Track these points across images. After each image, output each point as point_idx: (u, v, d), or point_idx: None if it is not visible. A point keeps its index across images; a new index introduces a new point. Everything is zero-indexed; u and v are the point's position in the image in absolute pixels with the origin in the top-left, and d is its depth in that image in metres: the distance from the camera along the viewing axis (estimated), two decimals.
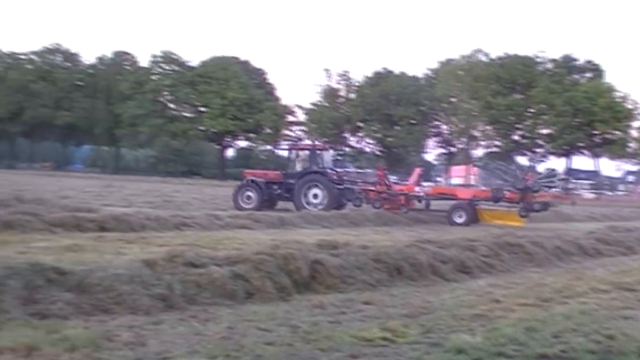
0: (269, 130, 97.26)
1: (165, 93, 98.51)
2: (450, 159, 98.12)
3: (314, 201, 28.50)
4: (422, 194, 29.21)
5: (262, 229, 19.49)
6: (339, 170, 31.38)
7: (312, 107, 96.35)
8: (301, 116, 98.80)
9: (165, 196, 34.41)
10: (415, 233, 20.48)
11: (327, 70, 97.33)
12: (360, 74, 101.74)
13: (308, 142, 36.09)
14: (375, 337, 6.98)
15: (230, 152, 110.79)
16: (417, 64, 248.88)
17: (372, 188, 29.04)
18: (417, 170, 32.51)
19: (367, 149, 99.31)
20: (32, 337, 5.94)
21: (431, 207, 29.20)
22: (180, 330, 6.84)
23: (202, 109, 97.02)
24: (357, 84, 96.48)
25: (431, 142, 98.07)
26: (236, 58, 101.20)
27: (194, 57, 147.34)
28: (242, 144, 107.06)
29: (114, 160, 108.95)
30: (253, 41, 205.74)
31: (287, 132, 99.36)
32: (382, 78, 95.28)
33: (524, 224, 25.95)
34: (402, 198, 28.57)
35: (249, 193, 29.40)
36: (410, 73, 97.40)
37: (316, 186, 28.74)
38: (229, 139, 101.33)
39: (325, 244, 11.65)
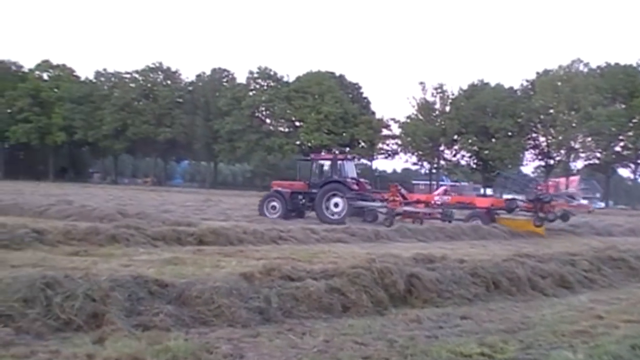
0: (363, 144, 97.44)
1: (262, 108, 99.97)
2: (548, 172, 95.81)
3: (335, 210, 29.06)
4: (439, 202, 29.52)
5: (358, 242, 19.48)
6: (362, 180, 31.67)
7: (407, 120, 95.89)
8: (396, 130, 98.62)
9: None
10: (512, 247, 20.06)
11: (422, 83, 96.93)
12: (455, 86, 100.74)
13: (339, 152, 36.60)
14: (473, 352, 6.83)
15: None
16: (513, 75, 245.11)
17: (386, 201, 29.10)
18: (443, 188, 32.71)
19: (463, 162, 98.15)
20: (136, 348, 6.07)
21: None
22: (278, 343, 6.87)
23: (298, 123, 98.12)
24: (452, 96, 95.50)
25: (528, 155, 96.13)
26: (331, 73, 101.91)
27: (290, 72, 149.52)
28: None
29: (212, 175, 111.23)
30: (348, 56, 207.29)
31: (382, 145, 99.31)
32: (477, 90, 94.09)
33: (544, 232, 27.14)
34: (422, 207, 29.08)
35: (274, 203, 30.41)
36: (506, 84, 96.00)
37: (336, 195, 29.20)
38: (321, 151, 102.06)
39: (422, 258, 11.54)
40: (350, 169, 31.59)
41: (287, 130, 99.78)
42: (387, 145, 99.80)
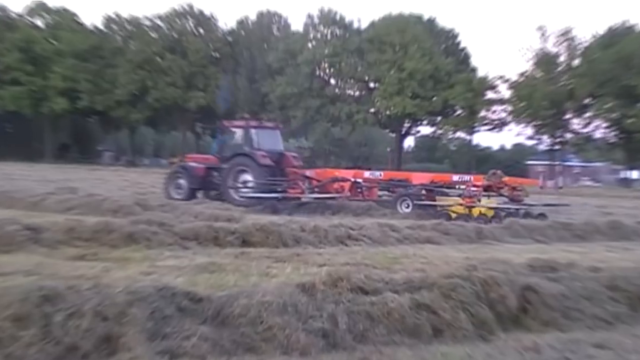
0: (461, 112, 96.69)
1: (325, 65, 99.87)
2: None
3: (245, 190, 30.77)
4: (364, 182, 31.51)
5: (453, 243, 19.52)
6: (290, 154, 33.57)
7: (520, 79, 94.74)
8: (505, 92, 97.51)
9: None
10: None
11: (541, 28, 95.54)
12: (587, 32, 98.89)
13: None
14: None
15: (409, 142, 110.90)
16: None
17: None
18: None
19: (598, 135, 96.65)
20: None
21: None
22: None
23: (373, 85, 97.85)
24: (583, 46, 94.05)
25: None
26: (417, 16, 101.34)
27: (362, 16, 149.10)
28: (426, 130, 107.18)
29: None
30: None
31: (485, 113, 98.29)
32: (618, 36, 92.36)
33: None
34: (346, 186, 30.77)
35: (181, 180, 32.54)
36: None
37: (246, 171, 31.19)
38: (407, 124, 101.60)
39: (540, 265, 11.49)
40: (268, 140, 33.21)
41: (357, 93, 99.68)
42: (493, 113, 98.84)
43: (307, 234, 17.74)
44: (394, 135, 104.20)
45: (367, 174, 32.63)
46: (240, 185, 31.09)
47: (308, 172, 32.30)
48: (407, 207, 28.55)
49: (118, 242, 15.06)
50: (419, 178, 31.81)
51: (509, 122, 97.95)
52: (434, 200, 29.16)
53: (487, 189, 29.35)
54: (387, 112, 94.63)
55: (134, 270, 11.88)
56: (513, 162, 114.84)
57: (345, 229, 18.85)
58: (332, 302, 8.58)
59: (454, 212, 27.39)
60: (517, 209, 28.54)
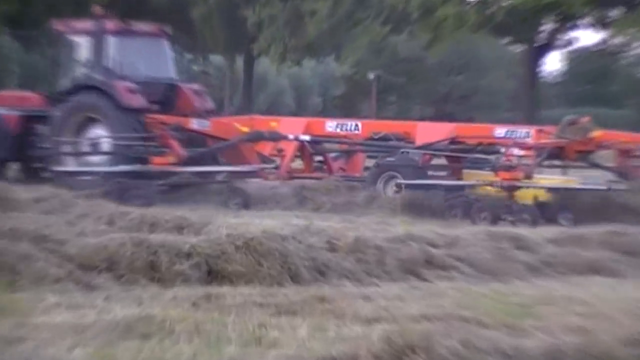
0: None
1: None
2: None
3: (96, 159, 31.14)
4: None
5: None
6: (191, 87, 34.59)
7: None
8: None
9: None
10: None
11: None
12: None
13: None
14: None
15: (552, 64, 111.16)
16: None
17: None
18: None
19: None
20: None
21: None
22: None
23: None
24: None
25: None
26: None
27: None
28: (587, 38, 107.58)
29: (238, 92, 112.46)
30: None
31: None
32: None
33: None
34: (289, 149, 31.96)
35: None
36: None
37: (97, 120, 31.36)
38: (547, 27, 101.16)
39: None
40: (142, 59, 34.20)
41: None
42: None
43: (340, 256, 17.40)
44: (519, 50, 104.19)
45: (329, 125, 33.03)
46: (86, 150, 31.33)
47: (196, 123, 32.22)
48: (399, 188, 29.04)
49: None
50: (428, 132, 32.20)
51: None
52: (460, 176, 30.07)
53: (556, 153, 29.51)
54: (505, 3, 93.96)
55: None
56: None
57: (421, 245, 18.54)
58: None
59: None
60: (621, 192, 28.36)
